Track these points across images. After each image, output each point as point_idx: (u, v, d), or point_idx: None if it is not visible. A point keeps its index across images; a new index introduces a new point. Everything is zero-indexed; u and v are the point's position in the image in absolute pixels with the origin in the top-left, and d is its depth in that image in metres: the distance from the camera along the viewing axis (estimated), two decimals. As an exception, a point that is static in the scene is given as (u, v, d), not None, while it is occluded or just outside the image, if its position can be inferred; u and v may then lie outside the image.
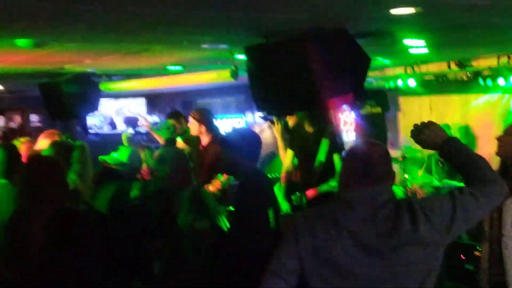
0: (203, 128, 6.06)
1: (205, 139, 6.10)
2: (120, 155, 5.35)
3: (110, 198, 4.69)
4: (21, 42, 5.08)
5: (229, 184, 5.97)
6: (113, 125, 13.68)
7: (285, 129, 6.40)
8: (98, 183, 4.90)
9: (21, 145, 5.75)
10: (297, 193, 5.69)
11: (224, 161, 4.30)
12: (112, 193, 4.74)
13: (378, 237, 2.37)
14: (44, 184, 3.53)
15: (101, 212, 4.18)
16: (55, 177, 3.59)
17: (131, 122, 13.36)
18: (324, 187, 5.60)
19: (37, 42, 5.13)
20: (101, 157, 5.22)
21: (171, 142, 5.50)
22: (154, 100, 14.01)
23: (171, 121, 6.67)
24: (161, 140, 6.72)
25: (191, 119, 6.18)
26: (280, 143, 6.36)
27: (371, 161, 2.46)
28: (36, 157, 4.23)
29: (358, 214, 2.40)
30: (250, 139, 4.25)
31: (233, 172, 4.27)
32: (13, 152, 4.52)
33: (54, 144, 4.53)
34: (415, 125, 2.65)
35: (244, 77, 6.53)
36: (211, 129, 6.13)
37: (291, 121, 6.23)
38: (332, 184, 5.51)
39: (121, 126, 13.44)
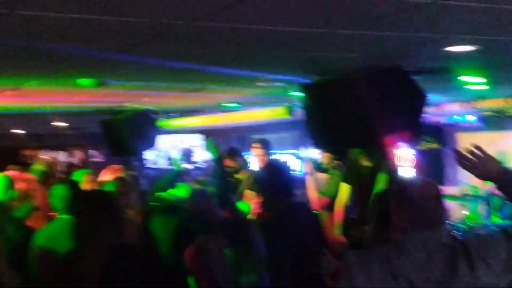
0: (268, 156, 6.38)
1: None
2: (177, 192, 5.42)
3: (174, 232, 4.74)
4: (83, 82, 5.26)
5: None
6: (170, 159, 13.85)
7: (318, 167, 6.44)
8: (149, 214, 4.99)
9: (83, 178, 5.86)
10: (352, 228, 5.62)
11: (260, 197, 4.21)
12: (175, 227, 4.80)
13: (435, 284, 2.31)
14: (99, 218, 3.58)
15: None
16: (110, 212, 3.63)
17: (187, 154, 13.47)
18: None
19: (99, 82, 5.30)
20: (158, 194, 5.31)
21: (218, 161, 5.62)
22: (210, 136, 14.19)
23: (227, 160, 6.75)
24: None
25: (257, 150, 6.43)
26: (310, 182, 6.35)
27: (426, 205, 2.40)
28: (92, 191, 4.32)
29: (414, 260, 2.34)
30: (279, 173, 4.14)
31: (267, 207, 4.18)
32: (76, 188, 4.62)
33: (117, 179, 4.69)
34: (458, 152, 2.54)
35: (298, 113, 6.59)
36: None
37: (324, 159, 6.26)
38: None
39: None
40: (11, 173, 5.11)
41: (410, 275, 2.33)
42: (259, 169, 4.43)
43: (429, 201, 2.41)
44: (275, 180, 4.05)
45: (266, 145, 6.57)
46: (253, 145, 6.62)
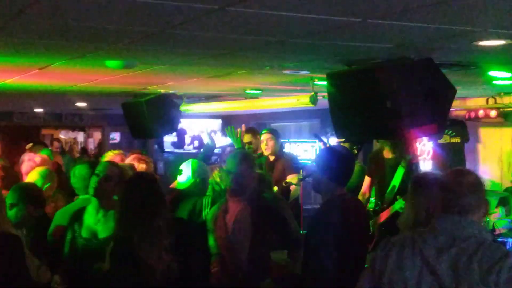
0: (277, 144, 6.58)
1: (274, 155, 6.57)
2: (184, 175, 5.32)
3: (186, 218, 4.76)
4: (111, 63, 5.26)
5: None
6: (181, 142, 13.59)
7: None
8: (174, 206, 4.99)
9: (114, 156, 5.84)
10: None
11: (313, 180, 3.97)
12: (187, 214, 4.80)
13: (449, 271, 2.35)
14: (151, 199, 3.55)
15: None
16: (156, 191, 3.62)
17: (199, 142, 13.42)
18: (396, 206, 5.38)
19: (126, 64, 5.30)
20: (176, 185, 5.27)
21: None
22: (228, 121, 14.19)
23: (248, 136, 6.77)
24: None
25: (267, 136, 6.56)
26: None
27: (456, 191, 2.44)
28: (137, 175, 4.34)
29: (437, 243, 2.40)
30: (338, 159, 3.84)
31: (318, 192, 4.09)
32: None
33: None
34: None
35: (319, 102, 6.58)
36: (281, 145, 6.73)
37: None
38: (402, 202, 5.22)
39: (188, 144, 13.46)
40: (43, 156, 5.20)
41: (428, 256, 2.39)
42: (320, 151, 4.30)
43: (461, 189, 2.44)
44: (331, 164, 3.84)
45: (275, 132, 6.68)
46: (265, 132, 6.69)
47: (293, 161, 6.75)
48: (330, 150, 4.19)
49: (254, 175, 4.38)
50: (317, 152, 4.20)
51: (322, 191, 3.82)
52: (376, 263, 2.52)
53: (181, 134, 13.30)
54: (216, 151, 9.08)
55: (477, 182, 2.49)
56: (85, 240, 3.84)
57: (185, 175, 4.86)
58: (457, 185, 2.44)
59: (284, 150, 7.11)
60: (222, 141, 12.80)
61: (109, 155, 5.63)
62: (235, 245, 4.15)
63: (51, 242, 4.13)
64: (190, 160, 4.97)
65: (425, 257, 2.39)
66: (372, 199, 6.09)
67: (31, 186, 4.45)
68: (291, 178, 6.18)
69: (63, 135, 14.59)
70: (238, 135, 5.41)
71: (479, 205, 2.46)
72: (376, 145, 6.23)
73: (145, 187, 3.56)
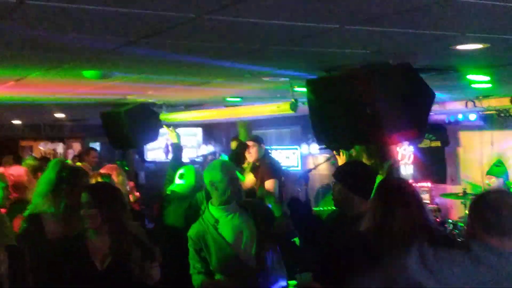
0: (262, 148, 6.94)
1: (257, 161, 6.91)
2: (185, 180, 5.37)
3: (184, 215, 4.83)
4: (88, 73, 5.21)
5: None
6: (167, 152, 13.63)
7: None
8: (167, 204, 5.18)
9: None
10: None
11: (334, 196, 4.03)
12: (184, 210, 4.88)
13: None
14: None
15: None
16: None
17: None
18: None
19: (103, 74, 5.25)
20: (169, 189, 5.32)
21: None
22: (209, 130, 14.15)
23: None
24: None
25: (252, 143, 6.91)
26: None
27: (501, 212, 2.37)
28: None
29: (483, 271, 2.32)
30: (361, 172, 4.02)
31: (341, 206, 4.04)
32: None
33: None
34: None
35: (300, 108, 6.56)
36: (265, 151, 7.10)
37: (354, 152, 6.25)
38: None
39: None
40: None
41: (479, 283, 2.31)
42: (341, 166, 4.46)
43: (506, 210, 2.36)
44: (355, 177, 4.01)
45: (259, 138, 7.05)
46: (249, 140, 7.05)
47: (272, 165, 6.80)
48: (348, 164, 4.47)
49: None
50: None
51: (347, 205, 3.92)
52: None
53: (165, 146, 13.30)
54: (197, 159, 9.08)
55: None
56: None
57: (185, 179, 5.19)
58: (499, 207, 2.38)
59: (269, 155, 7.34)
60: (204, 149, 12.76)
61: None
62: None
63: None
64: (191, 166, 5.42)
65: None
66: None
67: None
68: (269, 183, 6.36)
69: (42, 146, 14.41)
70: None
71: None
72: (353, 152, 6.21)
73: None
